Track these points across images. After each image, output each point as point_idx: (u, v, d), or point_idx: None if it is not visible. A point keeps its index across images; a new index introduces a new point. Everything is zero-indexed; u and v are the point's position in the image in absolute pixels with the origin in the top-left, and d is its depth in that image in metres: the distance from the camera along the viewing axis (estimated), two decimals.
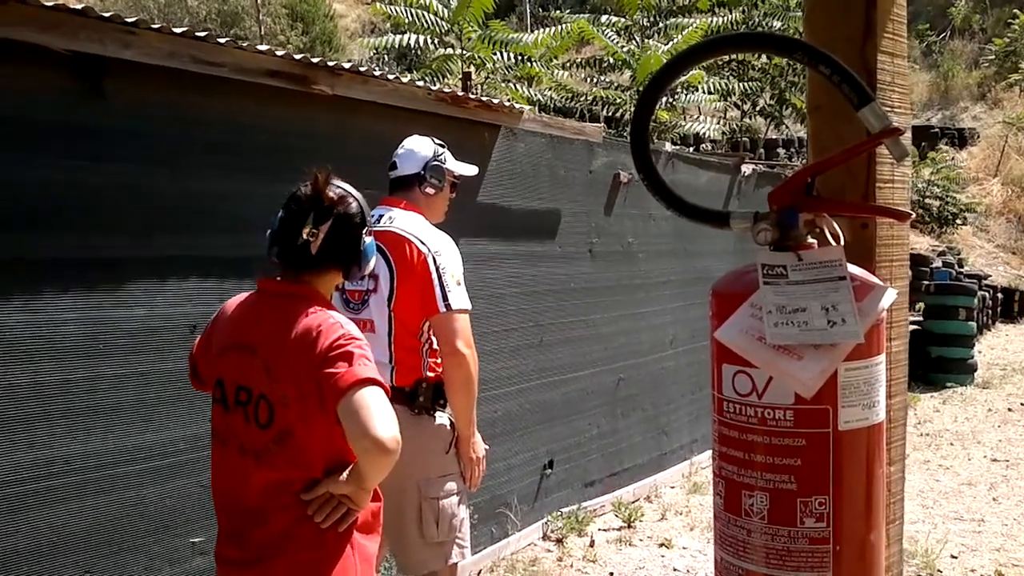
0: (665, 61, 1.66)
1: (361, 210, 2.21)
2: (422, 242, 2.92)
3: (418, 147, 3.12)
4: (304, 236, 2.11)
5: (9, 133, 2.84)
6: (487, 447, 3.09)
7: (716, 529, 1.47)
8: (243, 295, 2.24)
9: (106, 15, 3.01)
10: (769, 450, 1.38)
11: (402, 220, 2.98)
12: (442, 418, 2.97)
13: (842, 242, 1.38)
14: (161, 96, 3.24)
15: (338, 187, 2.19)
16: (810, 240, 1.42)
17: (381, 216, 3.00)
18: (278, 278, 2.18)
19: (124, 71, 3.09)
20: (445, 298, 2.87)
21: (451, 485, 2.96)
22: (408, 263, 2.89)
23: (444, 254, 2.93)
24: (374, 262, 2.29)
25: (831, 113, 1.39)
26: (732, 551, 1.43)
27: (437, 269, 2.88)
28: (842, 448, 1.35)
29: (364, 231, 2.21)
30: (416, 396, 2.90)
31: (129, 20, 3.07)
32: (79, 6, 2.98)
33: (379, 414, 1.91)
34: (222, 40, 3.38)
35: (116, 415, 3.08)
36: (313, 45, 21.85)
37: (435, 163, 3.10)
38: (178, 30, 3.22)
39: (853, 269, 1.39)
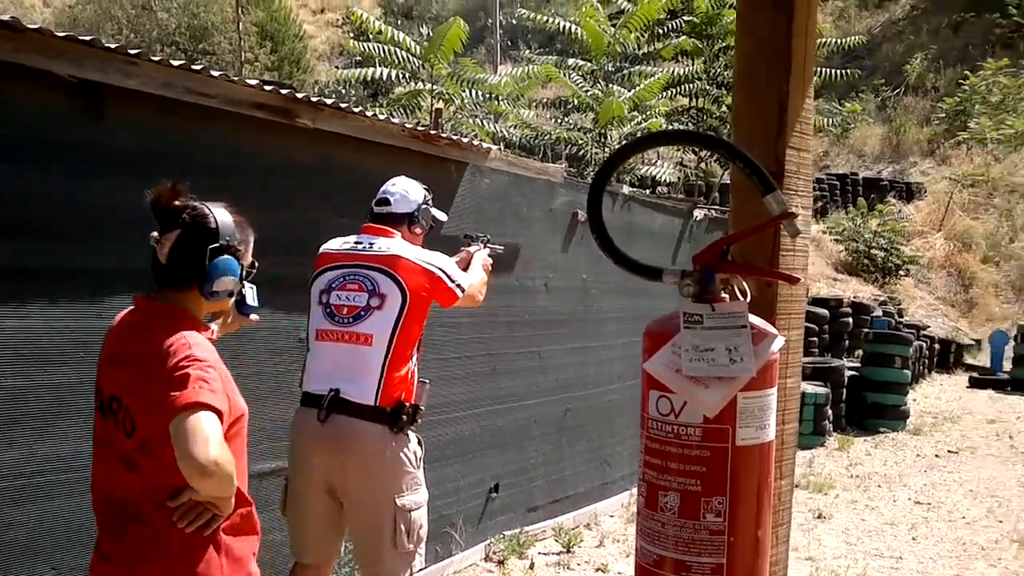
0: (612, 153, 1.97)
1: (217, 228, 2.16)
2: (419, 259, 3.24)
3: (412, 190, 3.43)
4: (150, 242, 2.15)
5: (17, 151, 3.02)
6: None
7: (638, 522, 1.79)
8: (126, 310, 2.27)
9: (111, 46, 3.24)
10: (681, 459, 1.70)
11: (396, 245, 3.28)
12: (412, 436, 3.19)
13: (748, 298, 1.72)
14: (156, 122, 3.44)
15: (193, 201, 2.18)
16: (723, 295, 1.75)
17: (372, 243, 3.28)
18: (151, 295, 2.21)
19: (123, 97, 3.29)
20: (456, 283, 3.28)
21: (419, 498, 3.19)
22: (416, 282, 3.18)
23: (436, 258, 3.28)
24: (230, 283, 2.21)
25: (751, 193, 1.72)
26: (649, 540, 1.75)
27: (440, 270, 3.25)
28: (738, 460, 1.67)
29: (221, 248, 2.16)
30: (398, 417, 3.10)
31: (132, 52, 3.29)
32: (87, 37, 3.22)
33: (200, 438, 1.90)
34: (215, 73, 3.63)
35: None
36: (282, 64, 21.85)
37: (424, 207, 3.44)
38: (175, 63, 3.45)
39: (754, 319, 1.72)
